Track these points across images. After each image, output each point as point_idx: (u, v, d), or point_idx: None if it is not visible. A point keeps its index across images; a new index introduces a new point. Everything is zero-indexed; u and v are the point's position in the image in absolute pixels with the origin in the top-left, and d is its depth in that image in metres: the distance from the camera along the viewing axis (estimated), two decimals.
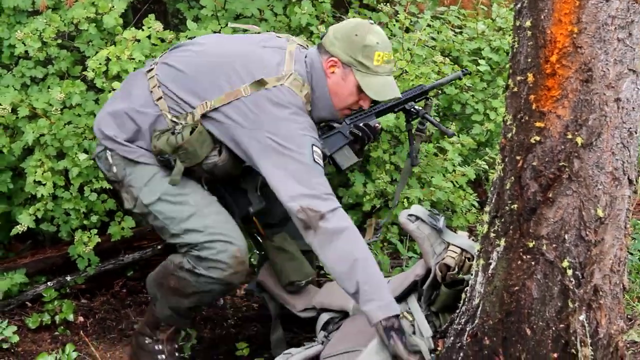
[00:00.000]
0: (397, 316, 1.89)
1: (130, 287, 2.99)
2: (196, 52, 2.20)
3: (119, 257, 2.84)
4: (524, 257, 1.72)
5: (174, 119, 2.09)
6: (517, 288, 1.75)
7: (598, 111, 1.61)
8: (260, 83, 2.02)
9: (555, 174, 1.66)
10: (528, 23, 1.66)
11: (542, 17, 1.63)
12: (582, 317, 1.70)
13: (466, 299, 1.88)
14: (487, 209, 1.85)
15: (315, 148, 2.00)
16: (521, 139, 1.70)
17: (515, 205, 1.72)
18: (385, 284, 2.01)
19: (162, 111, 2.08)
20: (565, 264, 1.68)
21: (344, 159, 2.26)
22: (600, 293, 1.70)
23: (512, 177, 1.73)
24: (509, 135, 1.74)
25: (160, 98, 2.08)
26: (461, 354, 1.86)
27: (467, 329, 1.87)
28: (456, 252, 1.99)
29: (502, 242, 1.76)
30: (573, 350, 1.69)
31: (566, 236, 1.68)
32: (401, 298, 2.08)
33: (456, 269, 1.96)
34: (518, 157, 1.70)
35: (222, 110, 2.04)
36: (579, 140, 1.63)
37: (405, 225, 2.07)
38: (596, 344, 1.73)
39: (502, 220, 1.76)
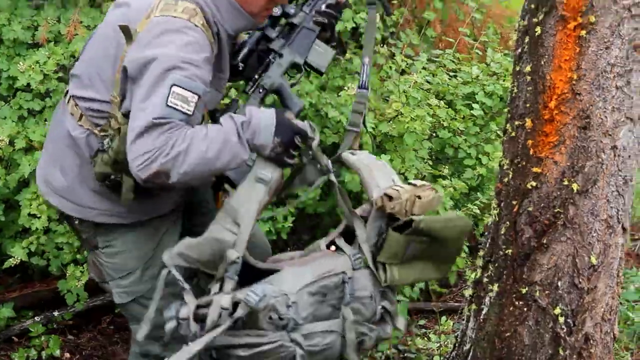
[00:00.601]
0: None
1: (118, 324, 2.84)
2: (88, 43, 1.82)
3: (107, 293, 2.71)
4: (517, 303, 1.71)
5: (102, 133, 1.67)
6: (508, 334, 1.73)
7: (595, 158, 1.61)
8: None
9: (550, 220, 1.65)
10: (528, 68, 1.65)
11: (543, 62, 1.62)
12: None
13: (457, 344, 1.86)
14: (480, 253, 1.83)
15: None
16: (517, 184, 1.69)
17: (510, 251, 1.70)
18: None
19: (89, 129, 1.69)
20: (557, 311, 1.67)
21: (321, 57, 1.88)
22: (591, 341, 1.70)
23: (507, 222, 1.71)
24: (505, 179, 1.72)
25: (81, 116, 1.70)
26: None
27: None
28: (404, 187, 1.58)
29: (495, 288, 1.74)
30: None
31: (559, 283, 1.67)
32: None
33: (400, 203, 1.52)
34: (514, 202, 1.69)
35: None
36: (574, 186, 1.62)
37: (346, 159, 1.71)
38: None
39: (496, 265, 1.74)
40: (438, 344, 2.58)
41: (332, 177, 1.64)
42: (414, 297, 2.89)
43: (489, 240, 1.79)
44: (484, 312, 1.77)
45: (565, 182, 1.62)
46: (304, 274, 1.50)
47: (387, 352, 2.55)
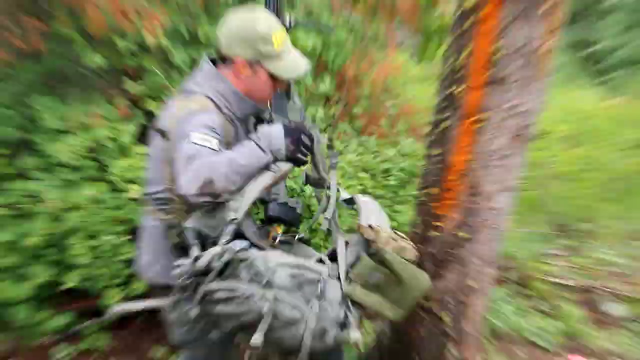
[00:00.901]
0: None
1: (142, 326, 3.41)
2: None
3: None
4: (419, 311, 2.31)
5: (168, 216, 2.05)
6: (411, 331, 2.37)
7: (478, 217, 2.14)
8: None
9: (445, 258, 2.20)
10: (436, 152, 2.10)
11: (448, 148, 2.07)
12: (453, 350, 2.36)
13: (375, 340, 2.46)
14: None
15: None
16: (424, 233, 2.22)
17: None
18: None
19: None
20: (446, 317, 2.29)
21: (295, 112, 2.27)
22: (466, 338, 2.36)
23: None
24: (416, 229, 2.24)
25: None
26: None
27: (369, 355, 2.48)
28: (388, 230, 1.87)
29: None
30: None
31: (447, 299, 2.27)
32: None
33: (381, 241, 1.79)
34: (420, 245, 2.22)
35: None
36: (464, 235, 2.16)
37: (356, 199, 2.02)
38: None
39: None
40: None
41: (330, 192, 2.01)
42: None
43: None
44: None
45: (458, 233, 2.16)
46: (288, 258, 1.72)
47: None
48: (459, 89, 1.99)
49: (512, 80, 1.94)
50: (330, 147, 2.20)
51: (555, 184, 5.35)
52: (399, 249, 1.77)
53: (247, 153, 1.81)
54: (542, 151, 5.60)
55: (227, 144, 1.92)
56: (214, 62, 2.05)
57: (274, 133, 1.85)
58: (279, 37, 1.99)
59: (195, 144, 1.77)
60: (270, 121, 2.18)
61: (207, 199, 1.73)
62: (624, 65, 13.17)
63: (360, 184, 3.60)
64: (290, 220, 2.13)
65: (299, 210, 2.15)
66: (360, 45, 4.10)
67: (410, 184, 3.92)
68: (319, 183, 2.12)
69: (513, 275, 4.04)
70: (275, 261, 1.69)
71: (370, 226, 1.78)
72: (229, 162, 1.75)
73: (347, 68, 4.03)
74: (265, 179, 1.80)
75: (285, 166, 1.85)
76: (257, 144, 1.82)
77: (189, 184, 1.71)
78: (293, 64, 2.05)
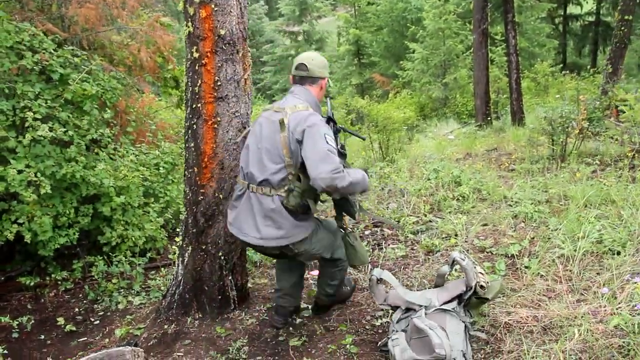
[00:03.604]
0: None
1: None
2: None
3: None
4: (201, 253, 3.54)
5: (284, 185, 2.99)
6: (199, 268, 3.56)
7: (228, 182, 3.47)
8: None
9: (212, 213, 3.48)
10: (192, 144, 3.41)
11: (199, 141, 3.39)
12: (230, 277, 3.60)
13: (173, 279, 3.62)
14: (179, 233, 3.59)
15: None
16: (194, 198, 3.48)
17: (194, 230, 3.50)
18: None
19: (277, 195, 3.00)
20: (220, 253, 3.55)
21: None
22: (237, 266, 3.63)
23: (192, 217, 3.50)
24: (188, 197, 3.50)
25: (270, 190, 3.02)
26: (174, 304, 3.59)
27: (177, 291, 3.61)
28: (482, 275, 3.17)
29: (190, 248, 3.53)
30: (227, 294, 3.59)
31: (219, 241, 3.53)
32: (450, 301, 3.13)
33: (485, 288, 3.13)
34: (193, 207, 3.47)
35: None
36: (221, 196, 3.47)
37: (459, 260, 3.18)
38: (240, 290, 3.67)
39: (189, 238, 3.53)
40: (162, 281, 4.39)
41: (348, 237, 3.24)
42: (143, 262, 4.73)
43: (184, 227, 3.56)
44: (186, 260, 3.56)
45: (217, 195, 3.46)
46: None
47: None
48: (199, 104, 3.34)
49: (230, 97, 3.37)
50: None
51: None
52: (492, 288, 3.20)
53: (362, 178, 2.94)
54: None
55: None
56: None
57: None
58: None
59: (328, 143, 2.82)
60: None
61: (330, 190, 2.80)
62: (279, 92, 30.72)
63: (142, 175, 5.14)
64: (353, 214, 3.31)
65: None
66: (125, 89, 5.90)
67: (173, 170, 5.74)
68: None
69: None
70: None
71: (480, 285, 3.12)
72: (353, 178, 2.82)
73: (119, 104, 5.73)
74: None
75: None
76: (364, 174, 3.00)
77: (329, 176, 2.72)
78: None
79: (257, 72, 36.37)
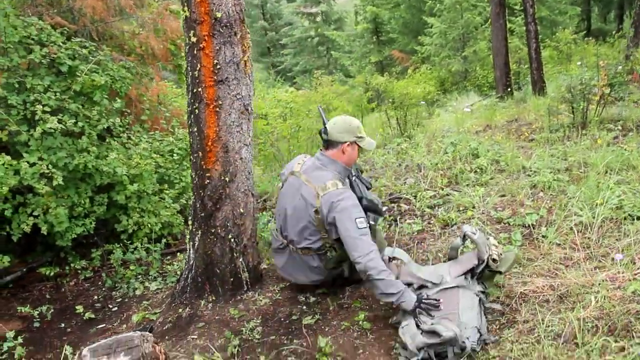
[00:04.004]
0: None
1: None
2: None
3: None
4: (211, 237, 3.54)
5: (320, 252, 3.42)
6: (209, 252, 3.56)
7: (233, 165, 3.45)
8: None
9: (219, 196, 3.48)
10: (195, 129, 3.39)
11: (202, 125, 3.38)
12: (241, 259, 3.61)
13: (186, 263, 3.63)
14: (190, 218, 3.60)
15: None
16: (201, 182, 3.47)
17: (203, 214, 3.50)
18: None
19: (312, 254, 3.46)
20: (230, 236, 3.55)
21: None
22: (247, 248, 3.63)
23: (199, 201, 3.50)
24: (195, 181, 3.50)
25: (308, 253, 3.44)
26: (188, 288, 3.62)
27: (189, 274, 3.63)
28: (496, 247, 3.22)
29: (200, 232, 3.54)
30: (239, 275, 3.59)
31: (228, 224, 3.53)
32: (462, 274, 3.17)
33: (497, 261, 3.18)
34: (200, 191, 3.47)
35: None
36: (227, 179, 3.46)
37: (469, 234, 3.21)
38: (252, 271, 3.67)
39: (198, 222, 3.54)
40: (178, 266, 4.43)
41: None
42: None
43: (193, 211, 3.57)
44: (196, 244, 3.57)
45: (223, 177, 3.46)
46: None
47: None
48: (200, 89, 3.32)
49: (231, 80, 3.34)
50: None
51: (281, 143, 8.03)
52: (506, 260, 3.25)
53: (390, 291, 2.99)
54: (267, 125, 8.34)
55: None
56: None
57: (409, 299, 2.99)
58: (361, 128, 3.46)
59: (359, 227, 3.08)
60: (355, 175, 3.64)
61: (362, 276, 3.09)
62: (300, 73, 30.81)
63: (155, 162, 5.21)
64: (380, 210, 3.57)
65: (380, 205, 3.56)
66: (137, 78, 5.94)
67: (188, 157, 5.59)
68: None
69: (269, 204, 5.86)
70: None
71: (492, 258, 3.17)
72: (386, 287, 2.98)
73: (130, 93, 5.75)
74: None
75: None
76: (396, 296, 2.99)
77: (362, 264, 3.00)
78: (369, 141, 3.49)
79: (277, 55, 36.67)
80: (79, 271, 4.71)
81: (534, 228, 4.05)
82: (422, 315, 2.93)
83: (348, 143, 3.38)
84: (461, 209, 4.78)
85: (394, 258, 3.32)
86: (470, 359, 2.78)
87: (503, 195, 4.86)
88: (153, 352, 2.64)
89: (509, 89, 12.31)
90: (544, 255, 3.62)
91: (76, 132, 4.56)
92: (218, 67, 3.28)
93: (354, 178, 3.57)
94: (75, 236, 4.50)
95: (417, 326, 2.86)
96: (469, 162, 5.88)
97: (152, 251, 4.77)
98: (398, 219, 4.91)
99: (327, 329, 3.28)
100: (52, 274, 4.51)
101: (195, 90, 3.35)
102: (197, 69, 3.30)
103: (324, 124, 3.45)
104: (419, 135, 7.70)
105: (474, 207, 4.69)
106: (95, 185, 4.71)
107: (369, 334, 3.17)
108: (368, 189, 3.65)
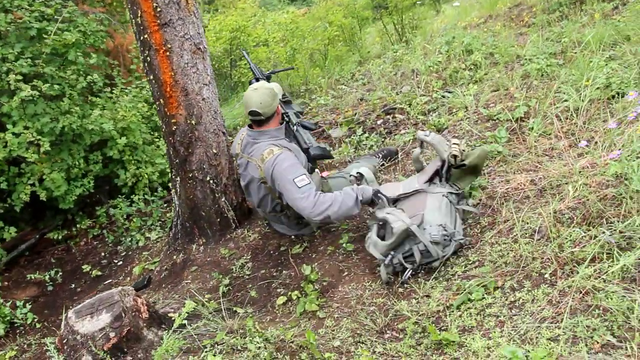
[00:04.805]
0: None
1: None
2: None
3: None
4: (190, 181, 3.56)
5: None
6: (192, 196, 3.59)
7: (196, 107, 3.41)
8: None
9: (189, 140, 3.46)
10: (152, 76, 3.33)
11: (157, 72, 3.31)
12: (223, 199, 3.63)
13: (173, 208, 3.68)
14: (168, 167, 3.60)
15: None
16: (169, 129, 3.45)
17: (177, 160, 3.50)
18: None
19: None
20: (208, 178, 3.55)
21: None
22: (228, 187, 3.63)
23: (171, 148, 3.49)
24: (163, 129, 3.48)
25: None
26: (179, 234, 3.69)
27: (178, 221, 3.69)
28: (457, 145, 3.07)
29: (178, 178, 3.56)
30: (225, 215, 3.63)
31: (204, 166, 3.53)
32: (430, 180, 3.17)
33: (460, 156, 3.04)
34: (170, 138, 3.46)
35: None
36: (193, 122, 3.42)
37: (422, 137, 3.17)
38: (238, 208, 3.70)
39: (175, 168, 3.55)
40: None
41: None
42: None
43: (169, 159, 3.58)
44: (178, 190, 3.60)
45: (189, 121, 3.42)
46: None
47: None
48: (146, 35, 3.24)
49: (175, 21, 3.24)
50: None
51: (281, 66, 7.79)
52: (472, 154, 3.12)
53: (352, 203, 2.99)
54: (271, 53, 8.13)
55: None
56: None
57: (366, 190, 3.07)
58: (275, 83, 3.57)
59: (298, 186, 3.03)
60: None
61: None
62: None
63: (139, 112, 5.22)
64: (329, 155, 3.64)
65: (329, 149, 3.56)
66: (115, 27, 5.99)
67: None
68: None
69: None
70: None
71: (453, 155, 3.07)
72: (347, 208, 2.97)
73: (114, 43, 5.89)
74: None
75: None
76: (357, 198, 3.02)
77: (312, 213, 2.97)
78: (277, 87, 3.58)
79: None
80: (88, 231, 4.84)
81: (522, 121, 3.90)
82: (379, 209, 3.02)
83: (278, 106, 3.42)
84: (454, 111, 4.64)
85: (360, 175, 3.31)
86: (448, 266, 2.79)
87: (496, 90, 4.67)
88: (134, 305, 2.72)
89: None
90: (529, 148, 3.50)
91: (56, 95, 4.56)
92: (159, 10, 3.17)
93: (296, 128, 3.54)
94: (76, 197, 4.60)
95: (377, 235, 2.89)
96: (464, 59, 5.65)
97: (150, 201, 4.85)
98: (393, 131, 4.81)
99: (314, 256, 3.31)
100: (60, 237, 4.67)
101: (142, 38, 3.27)
102: (139, 15, 3.20)
103: (253, 72, 3.63)
104: (417, 39, 7.41)
105: (466, 108, 4.54)
106: (87, 145, 4.76)
107: (353, 256, 3.19)
108: (313, 130, 3.70)
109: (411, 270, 2.80)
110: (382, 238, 2.88)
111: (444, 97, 5.01)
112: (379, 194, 3.06)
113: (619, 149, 2.91)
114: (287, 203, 3.19)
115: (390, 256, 2.78)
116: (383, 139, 4.74)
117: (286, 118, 3.59)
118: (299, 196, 3.02)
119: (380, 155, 4.16)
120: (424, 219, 2.85)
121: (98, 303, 2.70)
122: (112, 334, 2.58)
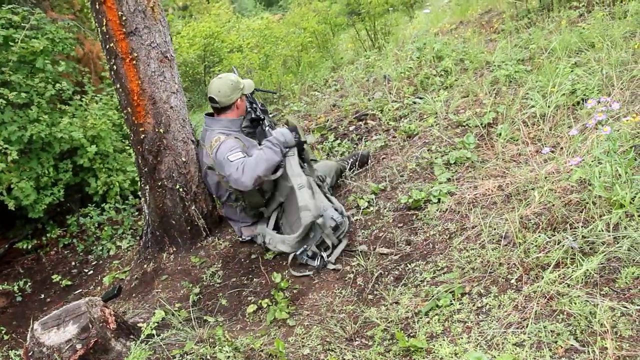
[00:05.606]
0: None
1: None
2: None
3: None
4: (159, 190, 3.53)
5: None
6: (161, 204, 3.56)
7: (164, 115, 3.39)
8: None
9: (157, 149, 3.43)
10: (119, 85, 3.30)
11: (123, 80, 3.29)
12: (193, 207, 3.61)
13: (143, 217, 3.65)
14: (138, 177, 3.57)
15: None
16: (137, 138, 3.42)
17: (146, 168, 3.47)
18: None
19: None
20: (177, 186, 3.53)
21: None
22: (198, 195, 3.61)
23: (140, 156, 3.46)
24: (131, 137, 3.45)
25: None
26: (149, 243, 3.65)
27: (148, 230, 3.65)
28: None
29: (148, 187, 3.53)
30: (195, 223, 3.61)
31: (173, 174, 3.51)
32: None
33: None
34: (139, 147, 3.43)
35: None
36: (162, 130, 3.40)
37: (291, 122, 3.59)
38: (209, 217, 3.67)
39: (144, 177, 3.52)
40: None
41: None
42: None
43: (137, 168, 3.55)
44: (147, 198, 3.57)
45: (157, 129, 3.40)
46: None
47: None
48: (112, 44, 3.21)
49: (141, 29, 3.22)
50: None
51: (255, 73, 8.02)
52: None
53: (275, 155, 3.22)
54: (244, 59, 8.24)
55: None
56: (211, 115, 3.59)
57: (284, 134, 3.31)
58: (238, 77, 3.58)
59: (233, 161, 3.16)
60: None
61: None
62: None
63: (110, 119, 5.19)
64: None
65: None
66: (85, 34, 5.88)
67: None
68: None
69: None
70: None
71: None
72: (269, 159, 3.17)
73: (83, 50, 5.84)
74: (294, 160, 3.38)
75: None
76: (275, 145, 3.24)
77: (245, 181, 3.13)
78: (248, 84, 3.67)
79: None
80: (58, 240, 4.78)
81: (490, 127, 3.95)
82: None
83: (238, 99, 3.55)
84: (425, 117, 4.68)
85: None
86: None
87: (466, 96, 4.72)
88: (101, 315, 2.69)
89: None
90: (497, 154, 3.55)
91: (24, 103, 4.49)
92: (124, 18, 3.15)
93: (267, 128, 3.62)
94: (46, 206, 4.53)
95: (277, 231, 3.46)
96: (434, 65, 5.70)
97: (121, 210, 4.80)
98: (364, 137, 4.84)
99: (284, 263, 3.31)
100: (29, 246, 4.59)
101: (108, 47, 3.24)
102: (104, 23, 3.17)
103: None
104: (389, 45, 7.47)
105: (436, 114, 4.59)
106: (57, 153, 4.69)
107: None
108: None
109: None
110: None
111: (415, 103, 5.05)
112: (296, 129, 3.42)
113: (581, 156, 2.97)
114: (235, 190, 3.37)
115: (303, 249, 3.24)
116: (355, 145, 4.76)
117: (254, 115, 3.71)
118: (233, 170, 3.16)
119: (351, 161, 4.18)
120: (315, 205, 3.24)
121: (65, 314, 2.66)
122: (78, 346, 2.54)
